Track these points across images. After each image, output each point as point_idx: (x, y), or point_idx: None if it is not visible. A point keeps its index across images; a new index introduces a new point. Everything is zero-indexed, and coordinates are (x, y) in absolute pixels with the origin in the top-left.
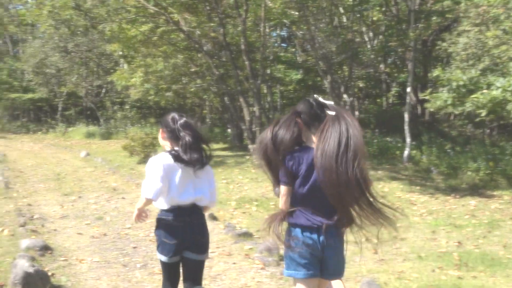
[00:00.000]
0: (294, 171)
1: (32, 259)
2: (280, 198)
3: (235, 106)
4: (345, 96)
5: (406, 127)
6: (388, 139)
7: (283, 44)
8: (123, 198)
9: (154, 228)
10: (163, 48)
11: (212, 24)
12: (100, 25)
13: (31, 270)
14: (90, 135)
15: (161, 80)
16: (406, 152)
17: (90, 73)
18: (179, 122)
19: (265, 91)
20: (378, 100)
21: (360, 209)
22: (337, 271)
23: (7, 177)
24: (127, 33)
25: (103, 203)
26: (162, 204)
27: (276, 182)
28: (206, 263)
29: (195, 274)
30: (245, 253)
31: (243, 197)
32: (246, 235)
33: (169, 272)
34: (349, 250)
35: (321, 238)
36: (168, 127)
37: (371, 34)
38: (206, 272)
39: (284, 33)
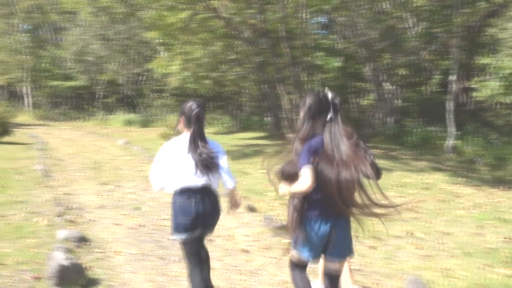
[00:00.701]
0: (316, 152)
1: (69, 251)
2: (306, 180)
3: (274, 94)
4: (386, 84)
5: (449, 116)
6: (430, 128)
7: (322, 31)
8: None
9: None
10: (202, 35)
11: (251, 11)
12: (139, 12)
13: (66, 263)
14: (128, 122)
15: (200, 68)
16: (449, 142)
17: (130, 60)
18: (193, 113)
19: (304, 79)
20: (420, 88)
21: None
22: (342, 254)
23: (47, 165)
24: (166, 20)
25: (140, 193)
26: (173, 187)
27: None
28: (245, 257)
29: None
30: (285, 247)
31: None
32: (285, 228)
33: (193, 252)
34: (392, 245)
35: (328, 224)
36: (185, 114)
37: (413, 20)
38: (244, 266)
39: (323, 19)
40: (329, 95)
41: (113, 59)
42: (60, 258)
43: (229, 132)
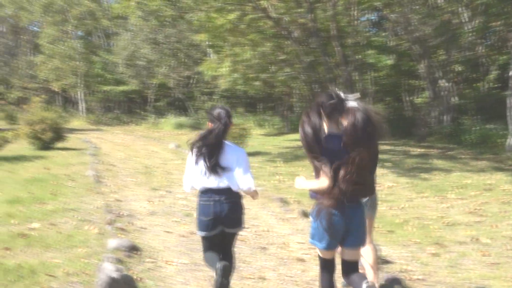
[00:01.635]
0: (330, 150)
1: (119, 261)
2: (326, 177)
3: None
4: (442, 81)
5: (510, 113)
6: (489, 126)
7: (373, 29)
8: None
9: (244, 225)
10: (251, 36)
11: (300, 10)
12: (187, 14)
13: (116, 275)
14: (179, 125)
15: (249, 69)
16: (510, 141)
17: (179, 64)
18: (222, 121)
19: (356, 78)
20: (476, 84)
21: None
22: (358, 243)
23: (98, 170)
24: (215, 22)
25: (191, 199)
26: (198, 187)
27: (317, 173)
28: (301, 267)
29: (227, 245)
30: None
31: None
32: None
33: (209, 246)
34: (456, 251)
35: (345, 214)
36: (214, 122)
37: (469, 14)
38: (300, 277)
39: (373, 17)
40: (341, 94)
41: (163, 63)
42: (109, 269)
43: (279, 133)
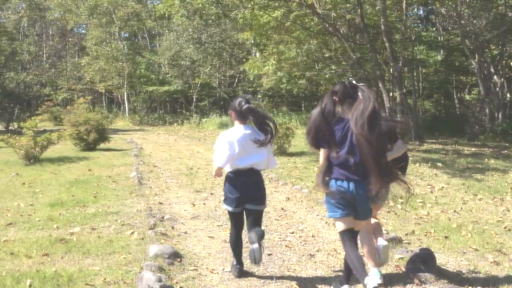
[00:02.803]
0: (336, 136)
1: (160, 269)
2: (321, 156)
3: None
4: (495, 77)
5: None
6: None
7: (422, 24)
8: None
9: (288, 230)
10: (296, 34)
11: (348, 5)
12: (232, 12)
13: (157, 285)
14: (223, 125)
15: (294, 68)
16: None
17: (223, 63)
18: (243, 108)
19: (405, 74)
20: None
21: (380, 169)
22: (365, 215)
23: (141, 172)
24: (259, 19)
25: None
26: (227, 167)
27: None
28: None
29: (256, 221)
30: (395, 263)
31: None
32: (395, 241)
33: (235, 220)
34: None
35: (351, 187)
36: (236, 110)
37: None
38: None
39: (420, 12)
40: (354, 82)
41: (207, 63)
42: (150, 279)
43: None
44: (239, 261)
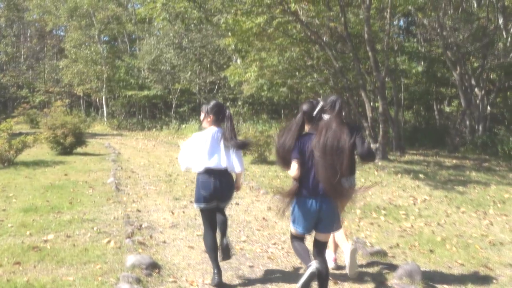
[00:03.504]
0: (302, 150)
1: (137, 281)
2: (293, 170)
3: (354, 101)
4: (476, 89)
5: None
6: None
7: (404, 34)
8: (236, 204)
9: (270, 241)
10: (279, 41)
11: (331, 13)
12: (214, 17)
13: None
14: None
15: (276, 75)
16: None
17: (204, 69)
18: (226, 114)
19: (388, 84)
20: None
21: (337, 186)
22: (329, 228)
23: (119, 178)
24: (242, 25)
25: None
26: (198, 168)
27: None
28: None
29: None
30: (381, 279)
31: (368, 205)
32: (380, 254)
33: (210, 219)
34: (505, 275)
35: (317, 204)
36: (216, 115)
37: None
38: None
39: (401, 23)
40: (320, 103)
41: (187, 68)
42: None
43: None
44: (217, 266)
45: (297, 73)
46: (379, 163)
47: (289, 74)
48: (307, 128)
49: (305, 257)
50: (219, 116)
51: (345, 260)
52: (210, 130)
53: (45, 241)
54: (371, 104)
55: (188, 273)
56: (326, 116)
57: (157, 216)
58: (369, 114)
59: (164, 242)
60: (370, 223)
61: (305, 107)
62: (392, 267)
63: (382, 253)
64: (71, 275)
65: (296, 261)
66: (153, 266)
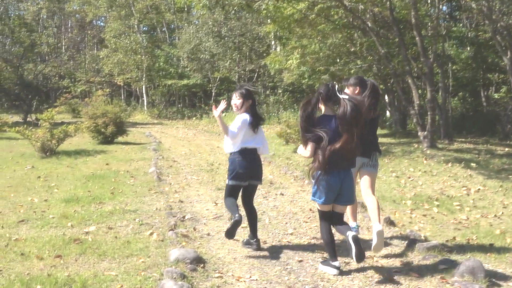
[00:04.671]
0: (321, 131)
1: (182, 276)
2: (308, 150)
3: (400, 88)
4: None
5: None
6: None
7: (452, 19)
8: (281, 194)
9: (318, 234)
10: (321, 27)
11: None
12: (255, 3)
13: None
14: None
15: (317, 62)
16: None
17: (243, 57)
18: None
19: (436, 70)
20: None
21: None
22: (347, 201)
23: (160, 167)
24: (283, 12)
25: (259, 200)
26: (236, 148)
27: (304, 143)
28: None
29: (251, 196)
30: (440, 275)
31: (419, 195)
32: (437, 249)
33: (235, 193)
34: None
35: (339, 178)
36: (253, 100)
37: None
38: None
39: (444, 8)
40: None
41: (226, 57)
42: None
43: None
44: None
45: (338, 60)
46: (428, 152)
47: (331, 61)
48: (323, 109)
49: (331, 250)
50: (254, 101)
51: (373, 238)
52: (246, 114)
53: (87, 233)
54: (419, 90)
55: (234, 268)
56: (344, 95)
57: (200, 207)
58: (416, 101)
59: (208, 234)
60: (423, 215)
61: (321, 89)
62: (451, 263)
63: (439, 248)
64: (113, 270)
65: (348, 256)
66: (198, 261)
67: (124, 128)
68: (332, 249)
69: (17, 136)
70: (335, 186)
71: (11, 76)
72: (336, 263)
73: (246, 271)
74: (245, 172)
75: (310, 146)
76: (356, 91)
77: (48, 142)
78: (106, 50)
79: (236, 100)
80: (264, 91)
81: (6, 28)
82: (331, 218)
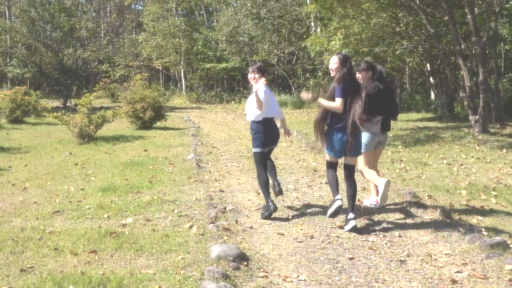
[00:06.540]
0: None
1: (224, 276)
2: (340, 105)
3: (450, 70)
4: None
5: None
6: None
7: None
8: (326, 183)
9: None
10: (366, 6)
11: None
12: None
13: None
14: (281, 104)
15: (360, 44)
16: None
17: (282, 39)
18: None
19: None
20: None
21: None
22: (356, 153)
23: (199, 153)
24: None
25: (304, 189)
26: (260, 117)
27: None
28: None
29: (269, 156)
30: (508, 276)
31: (474, 184)
32: (501, 246)
33: (264, 160)
34: None
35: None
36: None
37: None
38: None
39: None
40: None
41: (265, 39)
42: None
43: None
44: (271, 199)
45: (381, 42)
46: (479, 137)
47: (374, 42)
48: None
49: (334, 188)
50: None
51: (379, 190)
52: (267, 88)
53: (123, 225)
54: (470, 72)
55: (280, 266)
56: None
57: (242, 197)
58: (467, 83)
59: (251, 227)
60: (480, 206)
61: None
62: None
63: (504, 245)
64: (151, 267)
65: (402, 252)
66: (241, 258)
67: (163, 113)
68: (335, 188)
69: (56, 121)
70: (343, 141)
71: (51, 61)
72: (338, 196)
73: (293, 270)
74: (269, 139)
75: (341, 100)
76: (369, 75)
77: (86, 128)
78: (145, 34)
79: (254, 74)
80: (303, 73)
81: (46, 13)
82: (336, 168)
